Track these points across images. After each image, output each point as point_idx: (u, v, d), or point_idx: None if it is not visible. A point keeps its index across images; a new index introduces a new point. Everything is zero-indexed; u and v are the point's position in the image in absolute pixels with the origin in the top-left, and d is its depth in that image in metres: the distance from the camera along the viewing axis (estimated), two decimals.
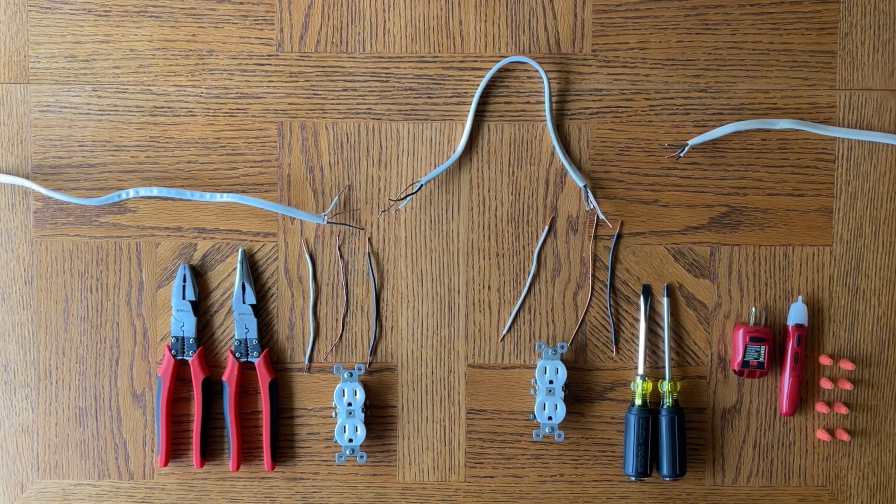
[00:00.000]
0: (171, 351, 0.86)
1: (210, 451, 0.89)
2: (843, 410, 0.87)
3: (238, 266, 0.87)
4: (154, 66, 0.86)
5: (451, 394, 0.88)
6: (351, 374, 0.86)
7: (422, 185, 0.85)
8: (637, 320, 0.88)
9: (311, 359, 0.88)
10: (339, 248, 0.87)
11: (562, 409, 0.85)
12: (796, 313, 0.86)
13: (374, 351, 0.88)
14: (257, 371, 0.87)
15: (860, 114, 0.86)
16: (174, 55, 0.86)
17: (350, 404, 0.85)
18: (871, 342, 0.88)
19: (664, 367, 0.87)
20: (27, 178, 0.87)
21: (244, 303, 0.87)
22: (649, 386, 0.86)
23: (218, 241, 0.87)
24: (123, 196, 0.86)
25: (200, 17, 0.86)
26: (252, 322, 0.87)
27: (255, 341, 0.87)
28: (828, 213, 0.87)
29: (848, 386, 0.86)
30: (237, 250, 0.87)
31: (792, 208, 0.87)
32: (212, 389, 0.88)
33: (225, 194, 0.85)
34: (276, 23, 0.86)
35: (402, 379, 0.88)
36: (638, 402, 0.86)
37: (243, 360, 0.87)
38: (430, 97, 0.86)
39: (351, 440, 0.85)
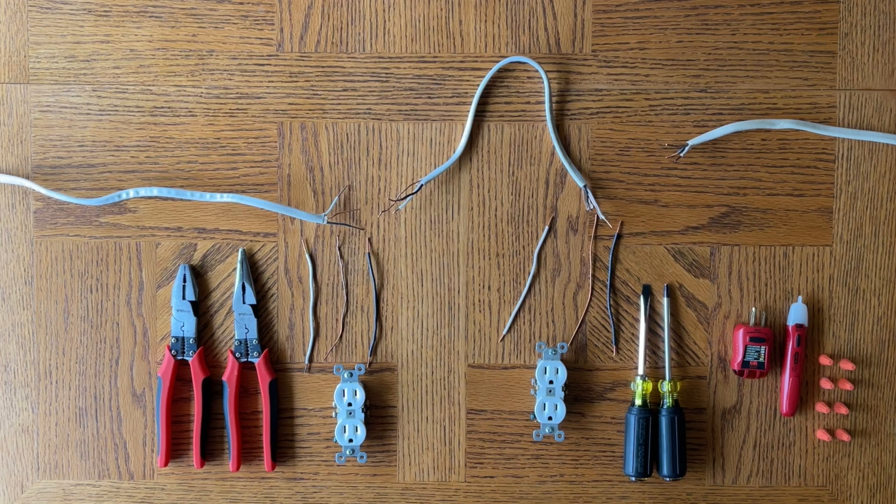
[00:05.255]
0: (171, 351, 0.86)
1: (210, 451, 0.89)
2: (843, 410, 0.87)
3: (238, 266, 0.87)
4: (154, 66, 0.86)
5: (451, 394, 0.88)
6: (351, 374, 0.86)
7: (422, 185, 0.85)
8: (637, 320, 0.88)
9: (311, 359, 0.88)
10: (339, 248, 0.87)
11: (562, 409, 0.85)
12: (796, 313, 0.86)
13: (374, 351, 0.88)
14: (257, 371, 0.87)
15: (860, 114, 0.86)
16: (174, 55, 0.86)
17: (350, 404, 0.85)
18: (871, 342, 0.88)
19: (664, 367, 0.87)
20: (27, 178, 0.87)
21: (244, 303, 0.87)
22: (649, 386, 0.86)
23: (218, 241, 0.87)
24: (123, 196, 0.86)
25: (200, 17, 0.86)
26: (252, 322, 0.87)
27: (255, 341, 0.87)
28: (828, 213, 0.87)
29: (848, 386, 0.86)
30: (237, 250, 0.87)
31: (792, 208, 0.87)
32: (212, 389, 0.88)
33: (225, 194, 0.85)
34: (276, 23, 0.86)
35: (402, 379, 0.88)
36: (638, 402, 0.86)
37: (243, 360, 0.87)
38: (430, 97, 0.86)
39: (351, 440, 0.85)
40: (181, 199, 0.87)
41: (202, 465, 0.87)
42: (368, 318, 0.88)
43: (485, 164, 0.87)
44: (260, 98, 0.86)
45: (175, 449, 0.88)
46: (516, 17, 0.86)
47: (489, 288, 0.88)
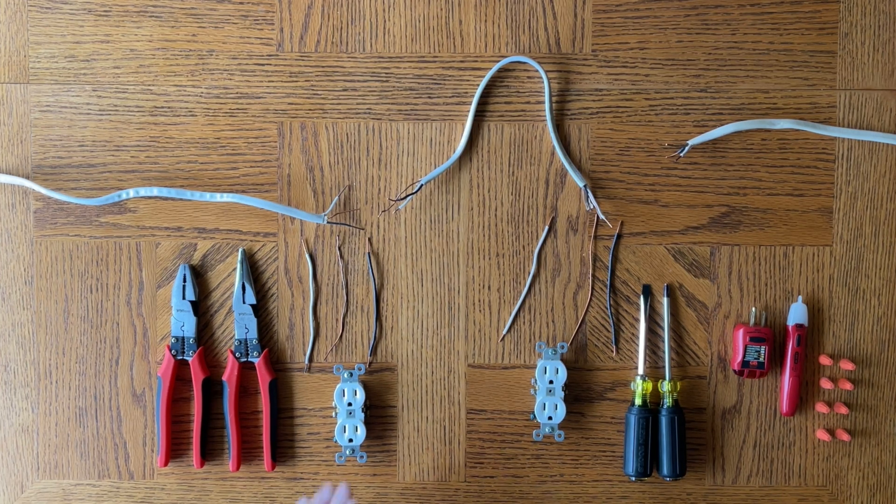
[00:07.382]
0: (171, 351, 0.86)
1: (210, 451, 0.89)
2: (843, 410, 0.87)
3: (238, 266, 0.87)
4: (154, 66, 0.86)
5: (451, 394, 0.88)
6: (351, 374, 0.86)
7: (422, 185, 0.85)
8: (637, 320, 0.88)
9: (311, 359, 0.88)
10: (339, 248, 0.87)
11: (562, 409, 0.85)
12: (796, 313, 0.86)
13: (374, 351, 0.88)
14: (257, 371, 0.87)
15: (860, 114, 0.86)
16: (174, 55, 0.86)
17: (350, 404, 0.85)
18: (871, 342, 0.88)
19: (664, 367, 0.87)
20: (27, 178, 0.87)
21: (244, 303, 0.87)
22: (649, 386, 0.86)
23: (218, 241, 0.87)
24: (123, 196, 0.86)
25: (200, 17, 0.86)
26: (252, 322, 0.87)
27: (255, 341, 0.87)
28: (828, 213, 0.87)
29: (848, 386, 0.86)
30: (237, 250, 0.87)
31: (792, 208, 0.87)
32: (212, 389, 0.88)
33: (225, 194, 0.85)
34: (276, 23, 0.86)
35: (402, 379, 0.88)
36: (638, 402, 0.86)
37: (243, 360, 0.87)
38: (430, 97, 0.86)
39: (351, 440, 0.85)
40: (181, 199, 0.87)
41: (202, 465, 0.87)
42: (368, 318, 0.88)
43: (485, 164, 0.87)
44: (260, 98, 0.86)
45: (175, 449, 0.88)
46: (516, 17, 0.86)
47: (489, 288, 0.88)
